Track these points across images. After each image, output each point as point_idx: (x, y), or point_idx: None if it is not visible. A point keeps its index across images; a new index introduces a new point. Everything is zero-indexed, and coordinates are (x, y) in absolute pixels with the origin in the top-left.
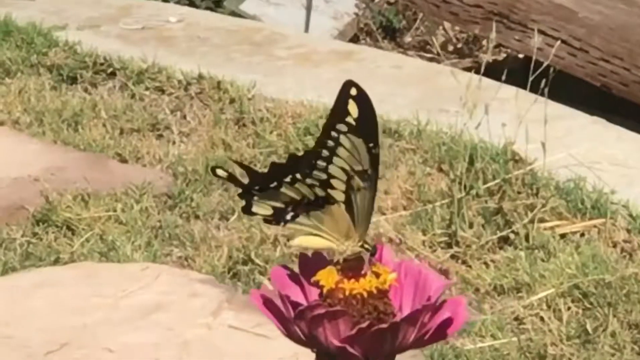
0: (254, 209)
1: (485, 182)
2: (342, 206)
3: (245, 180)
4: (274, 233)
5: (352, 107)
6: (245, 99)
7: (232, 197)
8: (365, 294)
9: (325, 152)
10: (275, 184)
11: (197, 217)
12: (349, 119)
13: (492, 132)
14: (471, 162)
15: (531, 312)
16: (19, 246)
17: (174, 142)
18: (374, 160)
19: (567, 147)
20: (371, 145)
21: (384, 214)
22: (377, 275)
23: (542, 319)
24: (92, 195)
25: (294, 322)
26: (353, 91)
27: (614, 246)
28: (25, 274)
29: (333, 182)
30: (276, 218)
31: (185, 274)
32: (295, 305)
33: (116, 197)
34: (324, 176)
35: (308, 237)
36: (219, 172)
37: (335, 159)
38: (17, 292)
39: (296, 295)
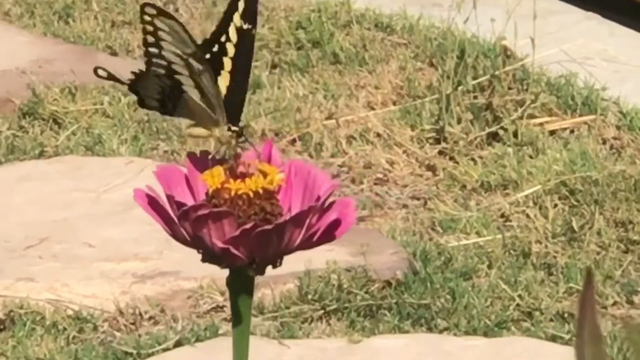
0: (146, 102)
1: (475, 78)
2: (193, 92)
3: (130, 72)
4: (262, 127)
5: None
6: None
7: None
8: (251, 194)
9: (150, 38)
10: (141, 77)
11: None
12: (241, 2)
13: (482, 27)
14: (461, 57)
15: (517, 209)
16: (4, 139)
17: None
18: (252, 41)
19: (559, 43)
20: (251, 26)
21: (373, 108)
22: (265, 175)
23: (527, 216)
24: (80, 88)
25: (179, 223)
26: None
27: (603, 143)
28: (9, 167)
29: (175, 67)
30: (164, 110)
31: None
32: (179, 205)
33: (104, 91)
34: (164, 62)
35: (194, 127)
36: (100, 72)
37: (163, 44)
38: None
39: (183, 195)
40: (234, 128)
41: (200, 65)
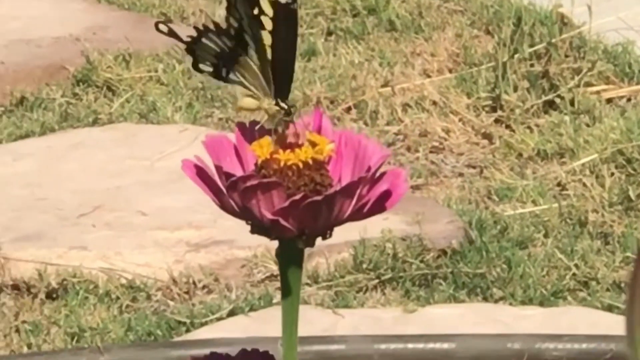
0: (200, 65)
1: (531, 46)
2: (253, 55)
3: (185, 36)
4: (317, 95)
5: None
6: None
7: None
8: (301, 165)
9: (256, 11)
10: (201, 37)
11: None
12: None
13: None
14: (518, 24)
15: (574, 178)
16: (57, 106)
17: (220, 2)
18: (294, 16)
19: (616, 11)
20: (290, 1)
21: (429, 76)
22: (314, 145)
23: (584, 184)
24: (134, 55)
25: (227, 194)
26: None
27: None
28: (63, 134)
29: (244, 25)
30: (218, 74)
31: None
32: (228, 176)
33: (158, 58)
34: (237, 16)
35: (244, 98)
36: (161, 27)
37: (240, 4)
38: (52, 154)
39: (232, 166)
40: (282, 104)
41: (263, 29)
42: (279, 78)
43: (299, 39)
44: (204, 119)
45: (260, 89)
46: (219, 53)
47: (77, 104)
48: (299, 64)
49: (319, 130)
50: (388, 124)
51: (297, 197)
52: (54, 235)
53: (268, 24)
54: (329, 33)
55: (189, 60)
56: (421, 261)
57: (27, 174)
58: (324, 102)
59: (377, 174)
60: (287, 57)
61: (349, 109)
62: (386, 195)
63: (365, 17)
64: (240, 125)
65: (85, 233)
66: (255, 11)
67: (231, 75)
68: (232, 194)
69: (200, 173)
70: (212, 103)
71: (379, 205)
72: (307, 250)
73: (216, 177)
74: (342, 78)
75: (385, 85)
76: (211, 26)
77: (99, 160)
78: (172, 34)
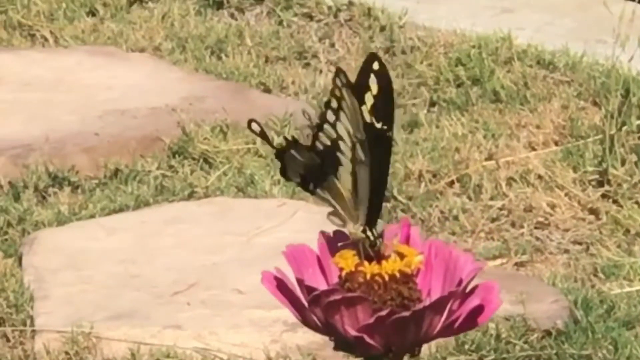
0: (288, 173)
1: None
2: (345, 178)
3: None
4: (419, 168)
5: (373, 83)
6: (396, 27)
7: None
8: (387, 278)
9: (334, 103)
10: (289, 148)
11: None
12: (368, 96)
13: None
14: (626, 96)
15: None
16: (153, 179)
17: (320, 72)
18: (388, 143)
19: None
20: (385, 127)
21: (534, 149)
22: (402, 256)
23: None
24: (231, 126)
25: (309, 309)
26: (375, 65)
27: None
28: (158, 208)
29: (341, 144)
30: (305, 185)
31: (322, 211)
32: (310, 289)
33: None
34: (333, 134)
35: (332, 215)
36: (254, 126)
37: (342, 116)
38: (147, 229)
39: (315, 278)
40: (369, 233)
41: (364, 156)
42: (368, 204)
43: (400, 110)
44: (302, 193)
45: (347, 211)
46: (306, 167)
47: (173, 176)
48: (400, 136)
49: (407, 241)
50: (492, 198)
51: (383, 313)
52: (147, 313)
53: (365, 148)
54: (432, 104)
55: (278, 165)
56: (525, 342)
57: (121, 249)
58: (426, 176)
59: (469, 288)
60: (378, 184)
61: (451, 183)
62: (478, 310)
63: (469, 87)
64: (324, 235)
65: (179, 311)
66: (360, 135)
67: (319, 190)
68: (315, 308)
69: (281, 285)
70: None
71: (471, 321)
72: None
73: (297, 290)
74: (445, 151)
75: (489, 158)
76: (301, 140)
77: (194, 236)
78: (263, 135)
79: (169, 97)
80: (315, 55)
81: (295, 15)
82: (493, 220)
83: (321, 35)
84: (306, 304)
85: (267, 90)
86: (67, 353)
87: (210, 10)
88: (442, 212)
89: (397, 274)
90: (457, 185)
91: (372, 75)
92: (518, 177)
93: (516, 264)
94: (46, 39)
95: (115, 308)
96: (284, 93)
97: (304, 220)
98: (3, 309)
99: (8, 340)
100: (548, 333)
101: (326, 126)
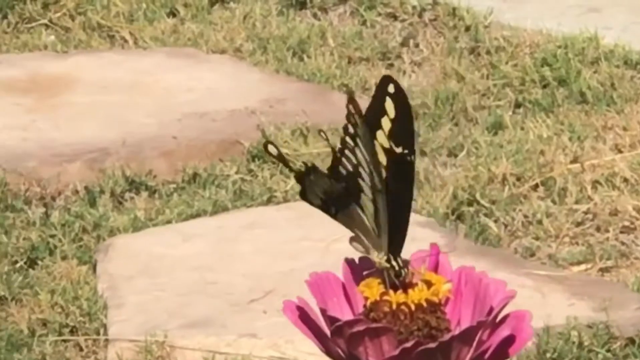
0: (309, 196)
1: None
2: (368, 205)
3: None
4: (503, 172)
5: (389, 107)
6: (481, 27)
7: (461, 132)
8: (414, 307)
9: (349, 139)
10: (309, 174)
11: (423, 153)
12: (385, 120)
13: None
14: None
15: None
16: (231, 184)
17: (404, 72)
18: (409, 168)
19: None
20: (406, 152)
21: (620, 151)
22: (430, 285)
23: None
24: (312, 129)
25: (332, 339)
26: (390, 88)
27: None
28: (235, 213)
29: (362, 171)
30: (326, 209)
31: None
32: (332, 320)
33: (337, 133)
34: (354, 161)
35: (355, 241)
36: (270, 148)
37: (359, 142)
38: (224, 234)
39: (340, 307)
40: (393, 263)
41: (380, 185)
42: (392, 232)
43: (485, 112)
44: None
45: (370, 238)
46: (326, 192)
47: (252, 181)
48: (484, 138)
49: (436, 268)
50: (577, 202)
51: (409, 344)
52: (223, 321)
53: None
54: (517, 105)
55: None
56: (608, 350)
57: (197, 256)
58: (510, 180)
59: (500, 317)
60: (400, 211)
61: (536, 187)
62: (509, 340)
63: (555, 88)
64: (349, 262)
65: (255, 320)
66: (374, 164)
67: (340, 215)
68: (338, 339)
69: (303, 315)
70: None
71: (501, 352)
72: None
73: (320, 320)
74: (530, 153)
75: (574, 161)
76: (319, 167)
77: (272, 242)
78: (280, 158)
79: (248, 100)
80: (399, 56)
81: (379, 15)
82: (578, 224)
83: (406, 35)
84: (329, 334)
85: (350, 92)
86: None
87: (292, 11)
88: (525, 216)
89: (424, 303)
90: (541, 188)
91: (387, 99)
92: (604, 180)
93: (600, 269)
94: (125, 40)
95: (189, 316)
96: (367, 95)
97: None
98: (76, 318)
99: (81, 349)
100: (632, 341)
101: (347, 152)
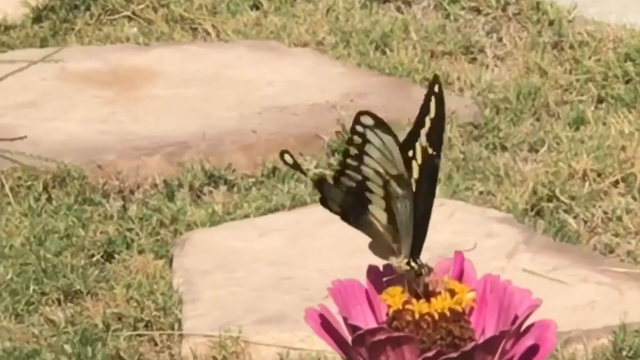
0: (329, 203)
1: None
2: (379, 214)
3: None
4: (583, 168)
5: (432, 106)
6: (565, 21)
7: (543, 127)
8: (436, 316)
9: (353, 150)
10: (324, 182)
11: (504, 148)
12: (428, 119)
13: None
14: None
15: None
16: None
17: (487, 67)
18: (434, 171)
19: None
20: (434, 154)
21: None
22: (453, 293)
23: None
24: (392, 124)
25: (354, 348)
26: (436, 88)
27: None
28: (314, 208)
29: (369, 184)
30: (345, 217)
31: (482, 212)
32: (354, 328)
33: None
34: (358, 177)
35: (374, 246)
36: (286, 157)
37: (366, 159)
38: (302, 229)
39: (363, 315)
40: (413, 264)
41: (402, 190)
42: (415, 234)
43: (567, 107)
44: (463, 192)
45: (385, 245)
46: (344, 200)
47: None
48: (565, 134)
49: (460, 276)
50: None
51: (430, 354)
52: (297, 317)
53: (415, 171)
54: (600, 100)
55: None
56: None
57: (274, 250)
58: (590, 175)
59: (524, 326)
60: (423, 213)
61: (616, 183)
62: (533, 350)
63: (638, 83)
64: (373, 270)
65: None
66: (410, 154)
67: (359, 224)
68: (359, 348)
69: (325, 323)
70: (474, 175)
71: None
72: (564, 335)
73: (343, 329)
74: (611, 149)
75: None
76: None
77: (349, 237)
78: (295, 166)
79: (329, 94)
80: (482, 50)
81: (463, 8)
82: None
83: (489, 29)
84: (351, 343)
85: None
86: (214, 358)
87: (376, 4)
88: (605, 212)
89: (447, 312)
90: (621, 184)
91: (433, 98)
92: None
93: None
94: (208, 33)
95: (264, 311)
96: (449, 89)
97: (462, 221)
98: (151, 312)
99: (155, 344)
100: None
101: (348, 171)
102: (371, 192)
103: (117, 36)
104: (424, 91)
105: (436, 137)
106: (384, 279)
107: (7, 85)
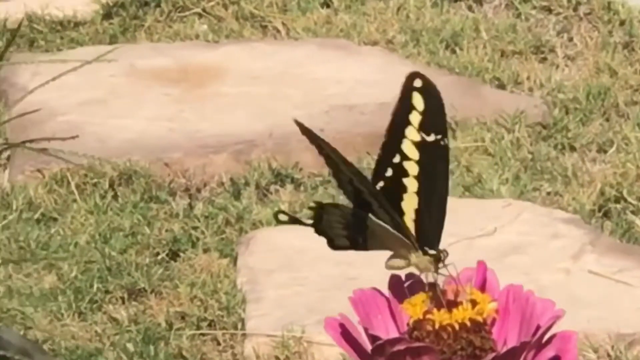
0: (336, 241)
1: None
2: (384, 216)
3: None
4: None
5: (417, 101)
6: (636, 22)
7: (612, 127)
8: (457, 326)
9: (397, 158)
10: (321, 216)
11: (572, 148)
12: (414, 116)
13: None
14: None
15: None
16: None
17: (557, 67)
18: (444, 152)
19: None
20: (439, 137)
21: None
22: (475, 304)
23: None
24: (460, 123)
25: (373, 358)
26: (417, 83)
27: None
28: None
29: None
30: (356, 245)
31: (548, 212)
32: (374, 338)
33: (486, 127)
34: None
35: (392, 259)
36: (281, 217)
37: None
38: None
39: (385, 325)
40: (430, 252)
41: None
42: (428, 223)
43: (637, 107)
44: (530, 193)
45: (401, 245)
46: (345, 223)
47: None
48: (635, 134)
49: (483, 286)
50: None
51: None
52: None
53: (413, 169)
54: None
55: (324, 240)
56: None
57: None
58: None
59: (546, 337)
60: (438, 199)
61: None
62: None
63: None
64: (395, 279)
65: None
66: (396, 159)
67: (370, 242)
68: (379, 358)
69: (345, 332)
70: (542, 175)
71: None
72: (628, 337)
73: (363, 338)
74: None
75: None
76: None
77: None
78: (293, 221)
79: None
80: (552, 50)
81: (534, 8)
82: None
83: (559, 29)
84: (370, 353)
85: (501, 86)
86: (277, 358)
87: (447, 2)
88: None
89: (468, 323)
90: None
91: (415, 94)
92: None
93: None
94: (278, 31)
95: (327, 311)
96: (518, 89)
97: (529, 222)
98: (214, 311)
99: (218, 343)
100: None
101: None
102: (366, 194)
103: (186, 33)
104: (495, 91)
105: (437, 123)
106: (405, 285)
107: (76, 82)
